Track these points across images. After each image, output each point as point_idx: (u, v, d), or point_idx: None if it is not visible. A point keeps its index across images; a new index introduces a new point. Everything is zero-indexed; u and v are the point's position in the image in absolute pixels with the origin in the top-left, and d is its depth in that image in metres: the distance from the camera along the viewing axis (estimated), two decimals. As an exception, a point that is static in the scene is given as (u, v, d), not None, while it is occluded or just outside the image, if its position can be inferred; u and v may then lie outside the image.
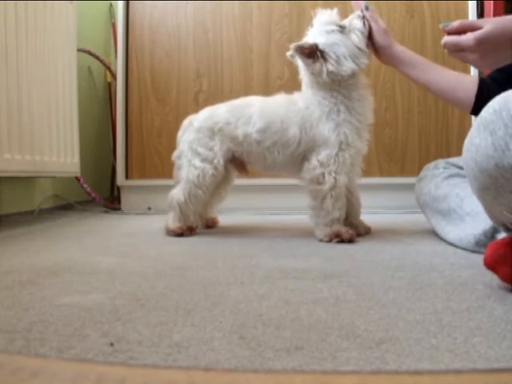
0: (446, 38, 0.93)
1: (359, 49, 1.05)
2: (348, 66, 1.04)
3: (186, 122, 1.23)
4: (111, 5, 2.29)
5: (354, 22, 1.06)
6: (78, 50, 1.82)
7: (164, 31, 1.85)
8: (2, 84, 1.25)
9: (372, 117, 1.12)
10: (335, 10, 1.08)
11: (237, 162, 1.20)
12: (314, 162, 1.07)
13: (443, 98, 1.14)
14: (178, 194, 1.16)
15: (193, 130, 1.18)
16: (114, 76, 2.14)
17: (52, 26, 1.54)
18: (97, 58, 2.09)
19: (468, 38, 0.87)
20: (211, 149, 1.15)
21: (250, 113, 1.13)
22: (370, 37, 1.08)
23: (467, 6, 1.75)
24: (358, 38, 1.05)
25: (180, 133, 1.23)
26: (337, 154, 1.05)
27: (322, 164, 1.06)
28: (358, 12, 1.08)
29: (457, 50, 0.92)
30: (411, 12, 1.77)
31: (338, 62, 1.04)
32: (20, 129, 1.34)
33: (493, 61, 0.89)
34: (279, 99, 1.15)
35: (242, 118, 1.13)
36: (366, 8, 1.09)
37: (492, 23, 0.85)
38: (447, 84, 1.08)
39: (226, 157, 1.16)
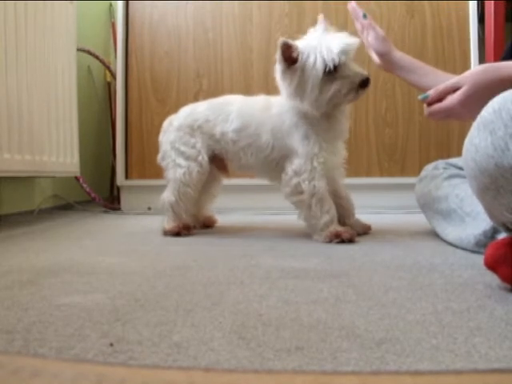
0: (429, 110, 0.90)
1: (318, 101, 0.99)
2: (304, 104, 1.00)
3: (165, 122, 1.23)
4: (111, 5, 2.28)
5: (355, 69, 0.99)
6: (78, 50, 1.82)
7: (164, 31, 1.85)
8: (1, 84, 1.25)
9: (346, 133, 1.10)
10: (358, 41, 1.00)
11: (217, 160, 1.20)
12: (289, 171, 1.06)
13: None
14: (168, 195, 1.17)
15: (173, 129, 1.19)
16: (113, 76, 2.13)
17: (52, 26, 1.54)
18: (96, 57, 2.09)
19: (451, 103, 0.85)
20: (193, 146, 1.15)
21: (229, 111, 1.13)
22: (369, 45, 1.08)
23: (467, 5, 1.75)
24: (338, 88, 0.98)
25: (161, 135, 1.23)
26: (305, 163, 1.04)
27: (296, 173, 1.05)
28: (364, 73, 0.99)
29: (443, 117, 0.90)
30: (411, 12, 1.76)
31: (304, 88, 0.98)
32: (20, 129, 1.34)
33: (480, 109, 0.88)
34: (258, 102, 1.15)
35: (221, 115, 1.14)
36: (364, 16, 1.09)
37: (471, 80, 0.82)
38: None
39: (208, 154, 1.16)
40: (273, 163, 1.11)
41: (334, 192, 1.12)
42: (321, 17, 1.05)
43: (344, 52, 0.96)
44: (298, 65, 0.98)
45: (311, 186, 1.04)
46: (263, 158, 1.11)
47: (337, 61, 0.95)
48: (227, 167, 1.22)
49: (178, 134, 1.17)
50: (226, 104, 1.16)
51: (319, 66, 0.96)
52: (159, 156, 1.23)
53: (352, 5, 1.13)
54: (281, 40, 0.98)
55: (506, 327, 0.47)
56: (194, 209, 1.22)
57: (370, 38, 1.10)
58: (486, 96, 0.79)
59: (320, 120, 1.05)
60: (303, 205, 1.06)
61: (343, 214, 1.13)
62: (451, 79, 0.87)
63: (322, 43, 0.98)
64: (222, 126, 1.13)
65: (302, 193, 1.05)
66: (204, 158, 1.15)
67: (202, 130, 1.15)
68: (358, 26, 1.14)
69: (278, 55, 1.00)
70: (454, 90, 0.85)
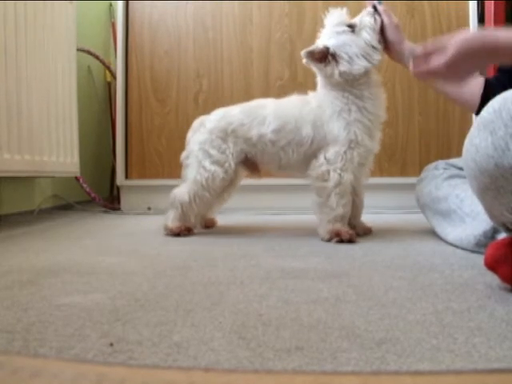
0: (416, 69, 0.89)
1: (371, 46, 1.06)
2: (361, 64, 1.05)
3: (196, 122, 1.22)
4: (111, 4, 2.28)
5: (365, 18, 1.08)
6: (78, 50, 1.82)
7: (164, 31, 1.85)
8: (1, 84, 1.25)
9: (384, 115, 1.13)
10: (345, 10, 1.09)
11: (249, 164, 1.20)
12: (321, 159, 1.08)
13: (450, 99, 1.15)
14: (181, 193, 1.15)
15: (205, 130, 1.17)
16: (113, 76, 2.13)
17: (52, 26, 1.54)
18: (96, 57, 2.09)
19: (438, 65, 0.84)
20: (223, 152, 1.14)
21: (265, 114, 1.13)
22: (381, 31, 1.08)
23: (467, 5, 1.74)
24: (369, 36, 1.06)
25: (190, 133, 1.22)
26: (345, 152, 1.06)
27: (328, 161, 1.07)
28: (369, 8, 1.08)
29: (428, 77, 0.91)
30: (411, 12, 1.76)
31: (350, 61, 1.05)
32: (20, 129, 1.34)
33: (466, 72, 0.87)
34: (293, 100, 1.16)
35: (256, 118, 1.14)
36: (379, 3, 1.10)
37: (457, 46, 0.81)
38: (454, 86, 1.08)
39: (239, 159, 1.16)
40: (311, 158, 1.12)
41: (354, 189, 1.12)
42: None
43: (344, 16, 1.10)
44: (336, 54, 1.06)
45: (338, 176, 1.05)
46: (303, 153, 1.11)
47: (346, 20, 1.09)
48: (259, 169, 1.22)
49: (210, 136, 1.16)
50: (259, 107, 1.16)
51: (343, 33, 1.07)
52: (183, 154, 1.21)
53: None
54: (303, 52, 1.07)
55: (506, 327, 0.47)
56: (204, 211, 1.22)
57: (386, 24, 1.08)
58: (471, 61, 0.81)
59: (365, 103, 1.08)
60: (324, 192, 1.07)
61: (352, 213, 1.13)
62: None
63: (331, 26, 1.09)
64: (258, 129, 1.13)
65: (327, 180, 1.06)
66: (231, 165, 1.14)
67: (237, 134, 1.14)
68: (370, 9, 1.13)
69: (312, 64, 1.09)
70: (443, 50, 0.84)
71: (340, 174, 1.05)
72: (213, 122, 1.17)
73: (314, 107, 1.11)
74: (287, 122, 1.11)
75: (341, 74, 1.06)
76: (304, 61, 1.09)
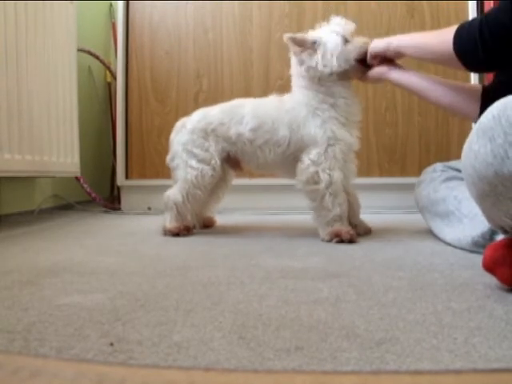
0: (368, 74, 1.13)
1: (346, 56, 1.08)
2: (331, 63, 1.07)
3: (178, 123, 1.24)
4: (111, 5, 2.29)
5: (358, 39, 1.10)
6: (78, 50, 1.82)
7: (164, 31, 1.85)
8: (1, 84, 1.25)
9: (360, 115, 1.14)
10: (354, 25, 1.11)
11: (232, 161, 1.21)
12: (306, 161, 1.08)
13: (449, 112, 1.16)
14: (174, 194, 1.17)
15: (186, 131, 1.19)
16: (113, 76, 2.14)
17: (52, 26, 1.54)
18: (97, 57, 2.09)
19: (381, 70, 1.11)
20: (207, 150, 1.16)
21: (243, 113, 1.15)
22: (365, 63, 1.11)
23: (467, 5, 1.74)
24: (351, 49, 1.08)
25: (172, 135, 1.24)
26: (326, 151, 1.06)
27: (313, 162, 1.07)
28: (367, 39, 1.11)
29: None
30: (411, 12, 1.76)
31: (323, 57, 1.07)
32: (20, 129, 1.34)
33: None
34: (270, 100, 1.17)
35: (234, 117, 1.15)
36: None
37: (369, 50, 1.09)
38: (450, 100, 1.08)
39: (222, 156, 1.17)
40: (290, 158, 1.13)
41: (344, 187, 1.12)
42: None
43: (351, 27, 1.11)
44: (316, 43, 1.08)
45: (328, 176, 1.05)
46: (281, 153, 1.12)
47: (348, 30, 1.09)
48: (241, 166, 1.24)
49: (192, 136, 1.17)
50: (238, 107, 1.18)
51: (338, 36, 1.08)
52: (168, 156, 1.23)
53: None
54: (286, 35, 1.08)
55: (506, 327, 0.47)
56: (198, 209, 1.23)
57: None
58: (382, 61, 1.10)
59: (337, 101, 1.09)
60: (317, 194, 1.07)
61: (349, 212, 1.13)
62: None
63: (331, 26, 1.10)
64: (236, 128, 1.14)
65: (318, 182, 1.06)
66: (217, 162, 1.15)
67: (217, 133, 1.16)
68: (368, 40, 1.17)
69: (291, 47, 1.10)
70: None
71: (329, 174, 1.06)
72: (193, 123, 1.19)
73: (289, 108, 1.12)
74: (264, 122, 1.12)
75: (308, 68, 1.08)
76: (284, 39, 1.10)
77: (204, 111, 1.22)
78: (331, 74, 1.08)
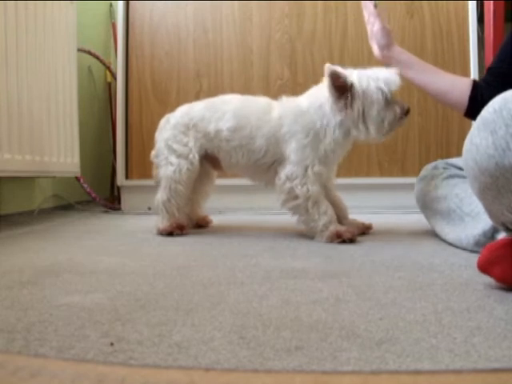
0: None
1: (384, 128, 1.01)
2: (368, 130, 1.00)
3: (162, 120, 1.24)
4: (111, 5, 2.28)
5: (398, 102, 1.02)
6: (78, 50, 1.82)
7: (164, 31, 1.85)
8: (2, 84, 1.25)
9: (340, 158, 1.12)
10: (399, 80, 1.01)
11: (210, 159, 1.21)
12: (282, 176, 1.07)
13: (439, 100, 1.17)
14: (161, 195, 1.18)
15: (169, 127, 1.19)
16: (113, 76, 2.14)
17: (52, 26, 1.54)
18: (97, 57, 2.09)
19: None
20: (186, 144, 1.16)
21: (226, 110, 1.14)
22: (373, 35, 1.09)
23: (467, 6, 1.74)
24: (389, 120, 1.01)
25: (157, 132, 1.24)
26: (298, 170, 1.05)
27: (288, 178, 1.06)
28: (404, 105, 1.03)
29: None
30: (411, 12, 1.76)
31: (360, 116, 0.99)
32: (20, 129, 1.34)
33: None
34: (258, 103, 1.15)
35: (216, 113, 1.14)
36: (375, 6, 1.10)
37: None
38: (443, 86, 1.10)
39: (201, 152, 1.17)
40: (263, 166, 1.12)
41: (327, 188, 1.12)
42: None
43: (395, 83, 1.00)
44: (355, 93, 0.98)
45: (305, 190, 1.04)
46: (254, 160, 1.12)
47: (393, 88, 0.99)
48: (221, 165, 1.22)
49: (173, 132, 1.18)
50: (222, 103, 1.17)
51: (380, 92, 0.98)
52: (152, 153, 1.24)
53: None
54: (329, 68, 0.98)
55: (506, 327, 0.47)
56: (187, 208, 1.22)
57: (375, 28, 1.11)
58: None
59: (328, 144, 1.04)
60: (300, 209, 1.06)
61: (339, 215, 1.12)
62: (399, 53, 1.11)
63: (375, 73, 1.00)
64: (216, 124, 1.13)
65: (296, 198, 1.05)
66: (195, 156, 1.15)
67: (197, 129, 1.16)
68: (366, 15, 1.15)
69: (328, 85, 0.99)
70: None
71: (306, 188, 1.04)
72: (176, 118, 1.19)
73: (274, 118, 1.08)
74: (243, 127, 1.11)
75: (341, 123, 1.01)
76: (326, 71, 0.99)
77: (188, 106, 1.22)
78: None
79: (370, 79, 0.99)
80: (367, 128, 1.00)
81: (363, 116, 0.99)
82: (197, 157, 1.15)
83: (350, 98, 0.98)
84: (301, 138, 1.05)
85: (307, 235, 1.11)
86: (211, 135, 1.14)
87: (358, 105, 0.98)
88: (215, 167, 1.25)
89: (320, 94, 1.04)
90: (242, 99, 1.18)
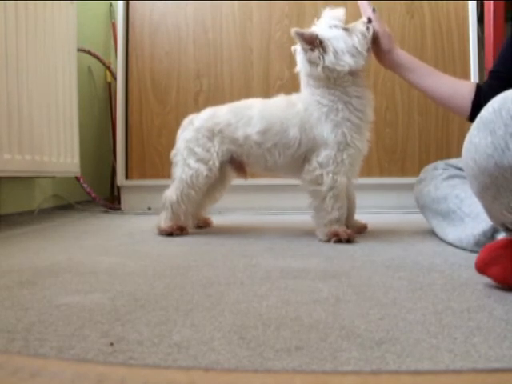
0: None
1: (357, 49, 1.04)
2: (346, 61, 1.04)
3: (186, 120, 1.23)
4: (111, 5, 2.28)
5: (358, 25, 1.07)
6: (78, 50, 1.82)
7: (164, 31, 1.85)
8: (1, 84, 1.25)
9: (372, 115, 1.12)
10: (343, 10, 1.08)
11: (236, 164, 1.20)
12: (313, 163, 1.07)
13: (441, 104, 1.16)
14: (170, 194, 1.17)
15: (192, 128, 1.18)
16: (113, 76, 2.14)
17: (52, 26, 1.54)
18: (97, 58, 2.09)
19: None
20: (208, 150, 1.15)
21: (251, 114, 1.13)
22: (374, 40, 1.09)
23: (467, 6, 1.74)
24: (357, 40, 1.05)
25: (179, 131, 1.23)
26: (335, 155, 1.05)
27: (321, 165, 1.06)
28: (364, 19, 1.08)
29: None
30: (411, 12, 1.76)
31: (335, 56, 1.04)
32: (20, 129, 1.34)
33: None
34: (279, 101, 1.15)
35: (242, 119, 1.13)
36: (373, 10, 1.10)
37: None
38: (445, 91, 1.09)
39: (224, 158, 1.16)
40: (300, 159, 1.11)
41: (346, 189, 1.12)
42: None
43: (339, 12, 1.08)
44: (322, 40, 1.04)
45: (333, 180, 1.05)
46: (290, 155, 1.11)
47: (341, 17, 1.07)
48: (245, 169, 1.21)
49: (197, 134, 1.17)
50: (246, 108, 1.16)
51: (334, 28, 1.05)
52: (173, 151, 1.22)
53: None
54: (294, 31, 1.03)
55: (506, 327, 0.47)
56: (193, 210, 1.22)
57: (376, 32, 1.10)
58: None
59: (351, 100, 1.07)
60: (319, 195, 1.06)
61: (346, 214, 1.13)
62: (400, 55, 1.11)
63: (323, 20, 1.07)
64: (244, 130, 1.12)
65: (321, 184, 1.06)
66: (215, 163, 1.14)
67: (223, 134, 1.15)
68: (365, 19, 1.14)
69: (299, 43, 1.06)
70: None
71: (333, 178, 1.05)
72: (200, 121, 1.18)
73: (301, 110, 1.09)
74: (273, 124, 1.10)
75: (324, 67, 1.04)
76: (292, 34, 1.05)
77: (213, 110, 1.20)
78: (350, 71, 1.05)
79: (324, 25, 1.06)
80: (347, 59, 1.04)
81: (337, 54, 1.04)
82: (217, 164, 1.14)
83: (320, 45, 1.04)
84: (333, 117, 1.06)
85: (307, 235, 1.11)
86: (240, 141, 1.13)
87: (328, 46, 1.04)
88: (239, 172, 1.23)
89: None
90: (263, 102, 1.17)
